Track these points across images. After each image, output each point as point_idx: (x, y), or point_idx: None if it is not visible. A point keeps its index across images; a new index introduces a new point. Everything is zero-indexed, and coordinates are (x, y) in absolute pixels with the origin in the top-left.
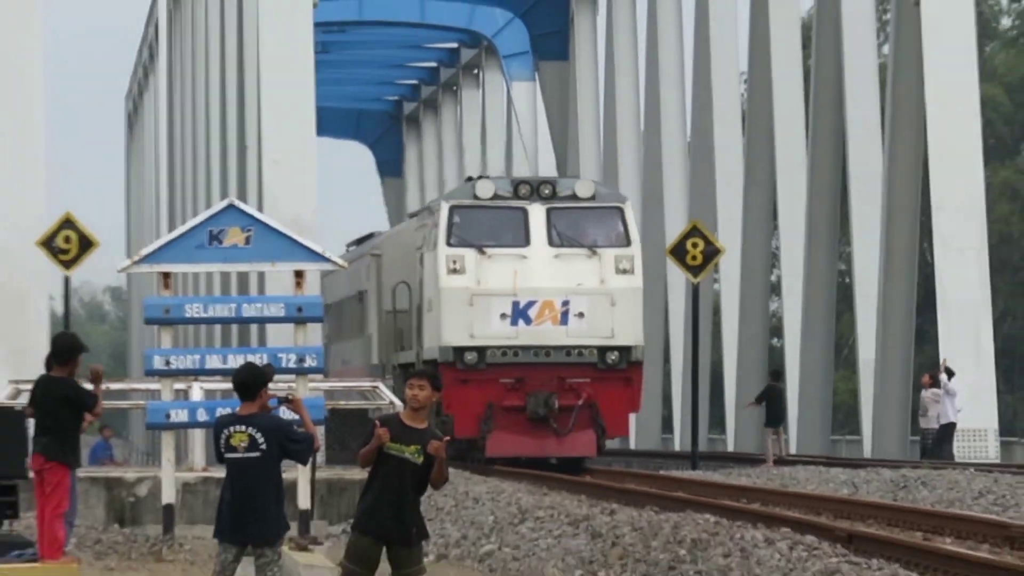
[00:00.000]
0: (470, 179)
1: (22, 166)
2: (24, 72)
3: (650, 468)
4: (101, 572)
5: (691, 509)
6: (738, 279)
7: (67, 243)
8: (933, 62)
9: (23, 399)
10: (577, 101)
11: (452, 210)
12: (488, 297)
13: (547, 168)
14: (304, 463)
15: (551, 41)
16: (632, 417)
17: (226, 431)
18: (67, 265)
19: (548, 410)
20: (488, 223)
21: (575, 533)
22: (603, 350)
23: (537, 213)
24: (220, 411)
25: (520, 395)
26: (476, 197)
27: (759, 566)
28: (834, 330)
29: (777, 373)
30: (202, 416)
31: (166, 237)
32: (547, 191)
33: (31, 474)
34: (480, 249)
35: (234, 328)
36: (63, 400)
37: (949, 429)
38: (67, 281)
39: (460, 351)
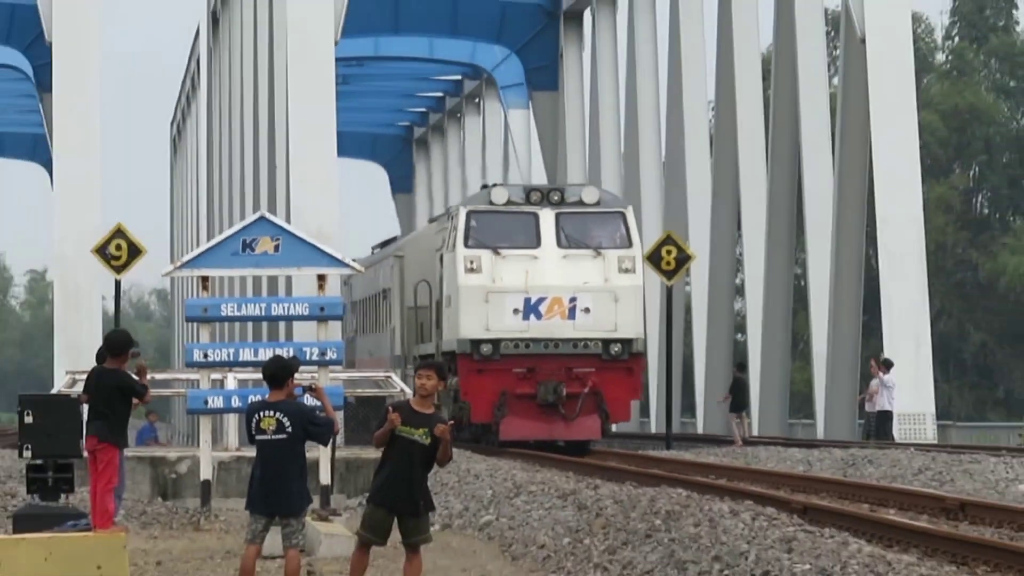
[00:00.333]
0: (485, 187)
1: (80, 184)
2: (83, 102)
3: (629, 448)
4: (146, 540)
5: (665, 484)
6: (707, 282)
7: (118, 250)
8: (877, 92)
9: (78, 388)
10: (565, 125)
11: (470, 215)
12: (502, 294)
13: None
14: (325, 444)
15: (543, 74)
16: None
17: (257, 416)
18: (118, 270)
19: (557, 397)
20: (502, 226)
21: (563, 505)
22: (607, 342)
23: (547, 217)
24: (251, 398)
25: (531, 383)
26: (491, 203)
27: (725, 534)
28: (791, 327)
29: (742, 365)
30: (236, 403)
31: (205, 245)
32: (556, 197)
33: (85, 454)
34: (495, 250)
35: (264, 325)
36: (116, 389)
37: (886, 416)
38: (118, 284)
39: (476, 343)
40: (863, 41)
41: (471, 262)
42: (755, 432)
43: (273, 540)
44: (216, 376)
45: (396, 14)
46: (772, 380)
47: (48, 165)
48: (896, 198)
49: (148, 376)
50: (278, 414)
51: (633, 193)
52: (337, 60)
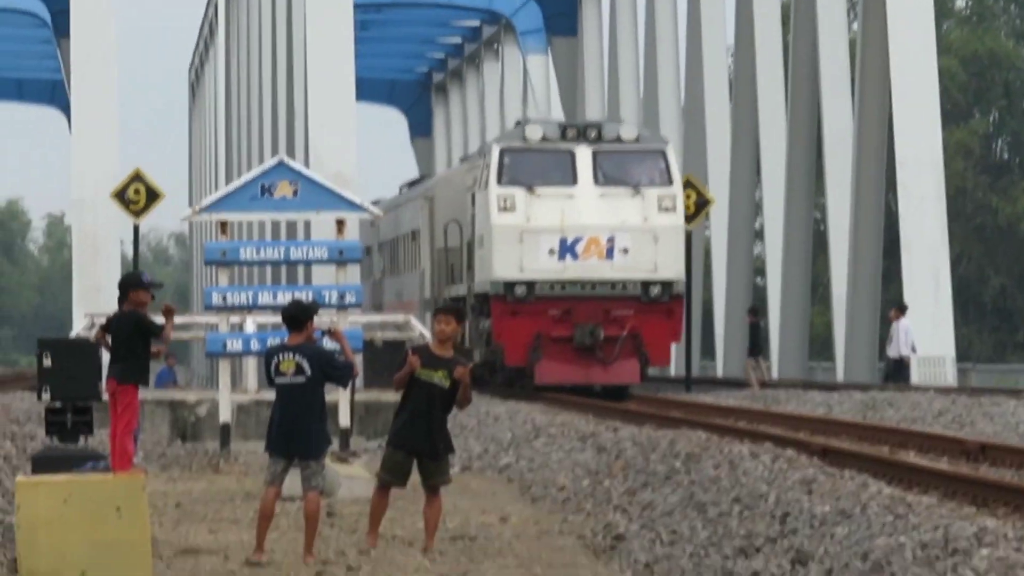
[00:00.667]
0: (519, 123)
1: (98, 128)
2: (100, 47)
3: (649, 391)
4: (166, 482)
5: (685, 427)
6: (726, 226)
7: (137, 195)
8: (897, 38)
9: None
10: (584, 71)
11: (503, 152)
12: (537, 233)
13: None
14: (344, 387)
15: (562, 19)
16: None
17: (276, 358)
18: (136, 214)
19: (594, 340)
20: (537, 164)
21: (583, 448)
22: (646, 284)
23: (584, 154)
24: (271, 341)
25: (567, 326)
26: (526, 139)
27: (745, 476)
28: (810, 271)
29: (754, 309)
30: (255, 346)
31: (224, 190)
32: (593, 134)
33: (105, 396)
34: (529, 188)
35: (283, 269)
36: (135, 329)
37: (901, 361)
38: (136, 228)
39: (510, 285)
40: None
41: (504, 201)
42: (775, 375)
43: (292, 482)
44: (235, 320)
45: None
46: (792, 324)
47: (66, 110)
48: (916, 141)
49: (174, 320)
50: (297, 357)
51: None
52: (356, 6)
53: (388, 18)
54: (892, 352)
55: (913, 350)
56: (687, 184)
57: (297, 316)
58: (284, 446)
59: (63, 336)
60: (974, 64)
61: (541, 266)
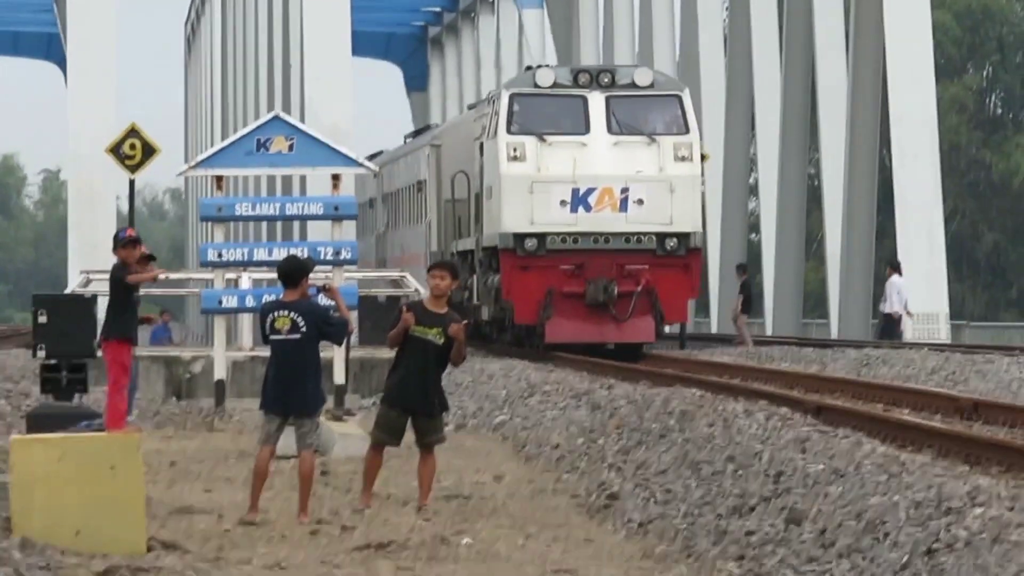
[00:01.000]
0: (529, 68)
1: (94, 83)
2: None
3: (644, 348)
4: (160, 440)
5: (679, 384)
6: (721, 182)
7: (132, 150)
8: None
9: (93, 288)
10: (580, 26)
11: (512, 98)
12: (548, 184)
13: None
14: (339, 344)
15: None
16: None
17: (271, 315)
18: (132, 169)
19: (607, 296)
20: (548, 111)
21: (577, 405)
22: (662, 236)
23: (597, 101)
24: (266, 298)
25: (580, 281)
26: (536, 85)
27: (739, 434)
28: (805, 227)
29: (742, 266)
30: (250, 302)
31: (219, 145)
32: (606, 79)
33: (99, 353)
34: (540, 136)
35: (279, 225)
36: (110, 283)
37: (892, 318)
38: (132, 184)
39: (520, 238)
40: None
41: (514, 149)
42: (768, 332)
43: (287, 440)
44: (230, 276)
45: None
46: (786, 280)
47: (62, 64)
48: (910, 97)
49: (150, 266)
50: (292, 314)
51: None
52: None
53: None
54: (885, 309)
55: (907, 309)
56: None
57: (292, 273)
58: (279, 404)
59: (59, 292)
60: (968, 18)
61: (552, 218)
